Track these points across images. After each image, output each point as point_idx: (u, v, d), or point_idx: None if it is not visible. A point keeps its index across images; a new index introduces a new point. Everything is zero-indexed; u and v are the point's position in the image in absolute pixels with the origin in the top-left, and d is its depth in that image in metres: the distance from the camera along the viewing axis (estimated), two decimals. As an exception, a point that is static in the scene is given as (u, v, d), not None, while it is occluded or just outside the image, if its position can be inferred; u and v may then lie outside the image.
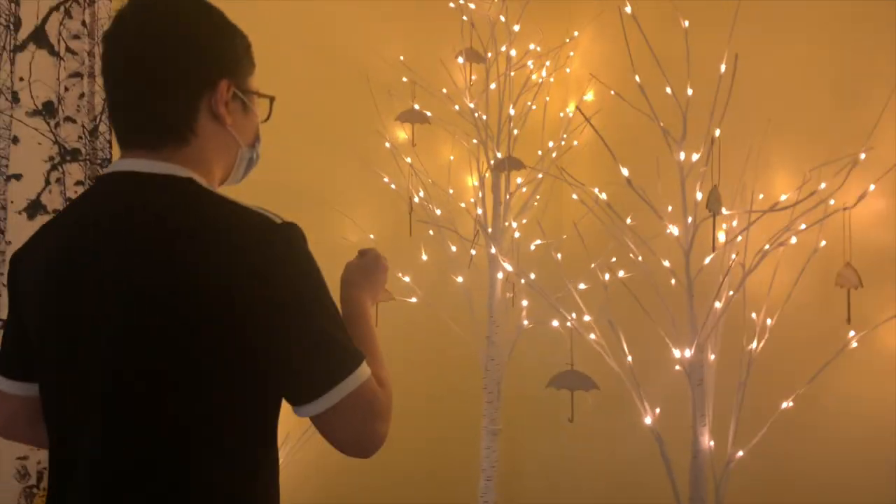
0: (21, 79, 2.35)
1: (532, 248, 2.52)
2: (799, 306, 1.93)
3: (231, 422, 1.04)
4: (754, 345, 1.84)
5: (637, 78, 1.87)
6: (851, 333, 1.81)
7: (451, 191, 2.70)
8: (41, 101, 2.36)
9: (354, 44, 2.64)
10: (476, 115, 2.52)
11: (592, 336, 1.83)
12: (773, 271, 1.91)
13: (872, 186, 1.72)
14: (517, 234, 2.46)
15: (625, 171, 1.73)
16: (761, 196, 2.06)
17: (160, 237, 1.03)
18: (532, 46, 2.82)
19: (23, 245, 1.20)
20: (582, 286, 2.13)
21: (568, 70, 3.04)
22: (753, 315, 1.89)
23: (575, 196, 1.88)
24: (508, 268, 2.07)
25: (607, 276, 1.84)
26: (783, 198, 1.80)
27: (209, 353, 1.01)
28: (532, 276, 2.20)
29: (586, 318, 1.88)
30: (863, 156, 1.78)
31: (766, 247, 1.81)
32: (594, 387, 1.80)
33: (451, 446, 2.68)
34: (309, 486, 2.48)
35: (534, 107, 2.77)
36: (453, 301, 2.43)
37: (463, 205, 2.47)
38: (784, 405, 1.83)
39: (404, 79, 2.47)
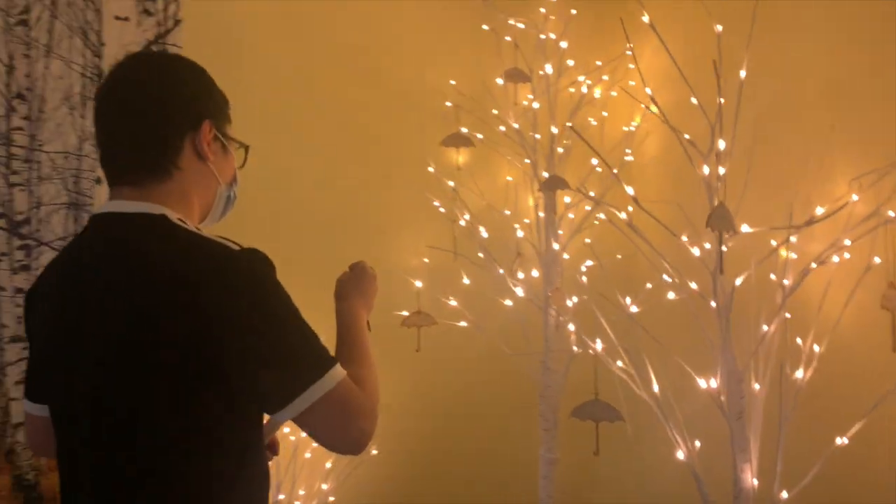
0: (103, 125, 2.58)
1: (583, 268, 2.42)
2: (852, 330, 1.72)
3: (205, 437, 1.12)
4: (800, 373, 1.65)
5: (693, 100, 1.75)
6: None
7: (507, 212, 2.66)
8: (121, 144, 2.58)
9: (406, 69, 2.69)
10: (530, 134, 2.48)
11: (619, 363, 1.72)
12: (823, 292, 1.72)
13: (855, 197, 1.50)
14: (566, 256, 2.37)
15: (629, 191, 1.63)
16: (818, 209, 1.87)
17: (133, 271, 1.15)
18: (598, 63, 2.74)
19: (35, 281, 1.34)
20: (634, 308, 2.03)
21: (632, 83, 2.92)
22: (799, 340, 1.71)
23: (601, 216, 1.79)
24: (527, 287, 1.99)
25: (629, 301, 1.73)
26: (819, 211, 1.61)
27: (175, 373, 1.10)
28: (574, 299, 2.12)
29: (599, 344, 1.78)
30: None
31: (813, 265, 1.63)
32: (619, 418, 1.70)
33: (508, 479, 2.61)
34: None
35: (594, 122, 2.69)
36: (501, 324, 2.38)
37: (517, 227, 2.42)
38: (838, 441, 1.63)
39: (448, 103, 2.47)
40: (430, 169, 2.47)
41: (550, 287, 2.39)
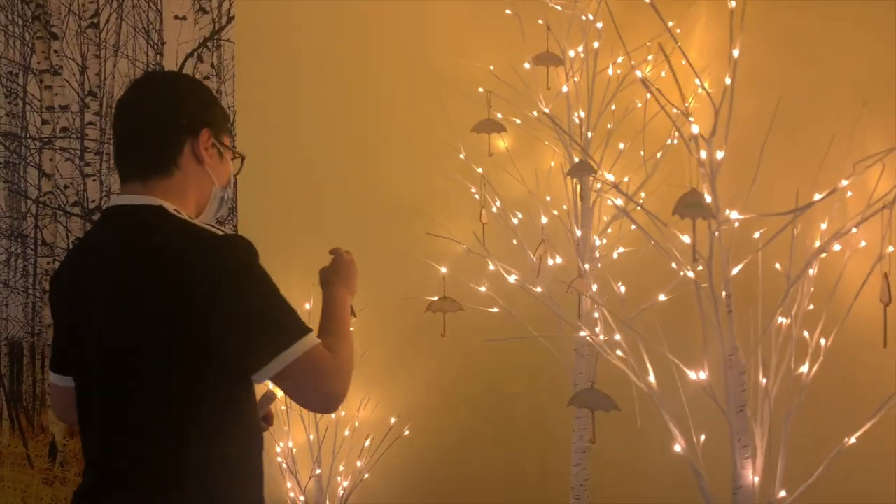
0: (164, 118, 2.78)
1: (615, 256, 2.37)
2: (863, 324, 1.61)
3: (193, 390, 1.32)
4: (805, 368, 1.57)
5: (698, 81, 1.68)
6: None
7: (548, 198, 2.64)
8: (180, 136, 2.77)
9: (446, 56, 2.72)
10: (568, 118, 2.46)
11: (619, 353, 1.70)
12: (834, 283, 1.61)
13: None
14: (598, 242, 2.34)
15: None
16: (849, 194, 1.75)
17: (130, 254, 1.36)
18: (647, 43, 2.66)
19: (57, 268, 1.59)
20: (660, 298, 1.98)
21: (684, 62, 2.81)
22: (806, 334, 1.62)
23: (611, 201, 1.76)
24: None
25: (623, 288, 1.69)
26: (817, 197, 1.51)
27: (166, 339, 1.29)
28: (595, 287, 2.09)
29: (616, 336, 1.75)
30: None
31: (824, 255, 1.54)
32: (615, 407, 1.68)
33: (539, 462, 2.62)
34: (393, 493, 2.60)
35: (639, 104, 2.62)
36: (534, 311, 2.37)
37: (542, 213, 2.40)
38: (847, 441, 1.54)
39: (480, 89, 2.48)
40: (461, 156, 2.49)
41: (582, 274, 2.36)
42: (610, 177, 2.19)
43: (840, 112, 1.94)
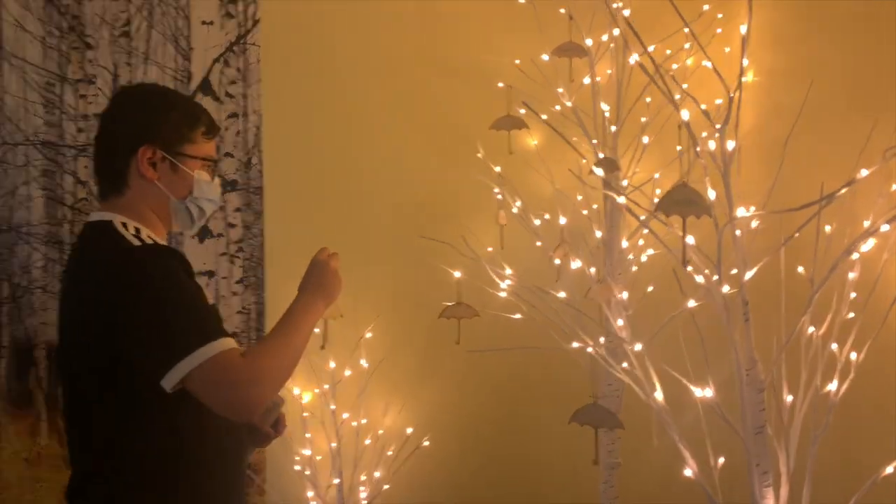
0: (193, 124, 2.79)
1: (644, 258, 2.21)
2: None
3: (125, 407, 1.35)
4: (833, 385, 1.38)
5: (708, 62, 1.52)
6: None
7: (579, 197, 2.50)
8: (208, 141, 2.78)
9: (471, 48, 2.64)
10: (594, 113, 2.31)
11: (625, 365, 1.55)
12: (870, 290, 1.41)
13: None
14: (625, 243, 2.18)
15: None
16: (894, 187, 1.54)
17: (75, 267, 1.48)
18: (685, 30, 2.49)
19: None
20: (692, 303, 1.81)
21: (727, 49, 2.62)
22: (834, 346, 1.42)
23: (621, 199, 1.62)
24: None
25: (626, 295, 1.54)
26: (843, 190, 1.32)
27: (88, 342, 1.35)
28: (625, 294, 1.94)
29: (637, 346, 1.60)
30: None
31: (855, 255, 1.35)
32: (618, 425, 1.54)
33: (562, 478, 2.48)
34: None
35: (678, 96, 2.45)
36: (555, 318, 2.24)
37: (560, 219, 2.26)
38: (883, 471, 1.34)
39: (500, 84, 2.36)
40: (479, 154, 2.38)
41: (610, 278, 2.21)
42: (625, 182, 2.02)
43: (879, 103, 1.73)
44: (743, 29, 1.46)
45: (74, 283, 1.44)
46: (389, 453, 2.57)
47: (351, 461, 2.54)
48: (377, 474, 2.54)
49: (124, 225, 1.42)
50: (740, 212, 1.36)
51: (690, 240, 1.35)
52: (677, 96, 2.51)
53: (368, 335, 2.52)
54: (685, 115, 1.39)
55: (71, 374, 1.43)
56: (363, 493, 2.54)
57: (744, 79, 2.57)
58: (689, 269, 1.58)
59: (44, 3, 2.81)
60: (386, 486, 2.54)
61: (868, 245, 1.32)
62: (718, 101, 2.47)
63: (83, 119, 2.84)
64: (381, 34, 2.76)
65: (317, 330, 1.58)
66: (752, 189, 1.95)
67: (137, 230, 1.42)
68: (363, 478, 2.57)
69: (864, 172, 1.31)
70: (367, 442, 2.57)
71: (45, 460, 2.76)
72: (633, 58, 2.24)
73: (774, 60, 2.56)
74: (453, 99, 2.57)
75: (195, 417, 1.34)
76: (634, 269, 2.33)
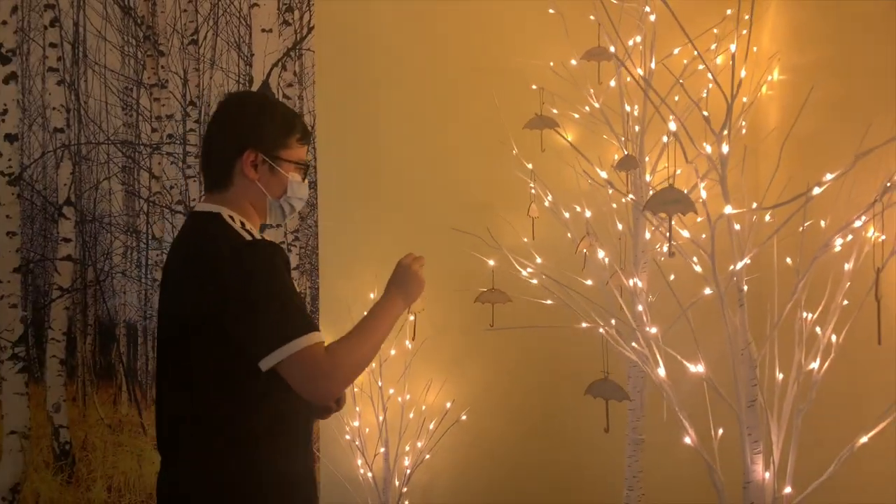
0: (254, 123, 3.09)
1: (665, 248, 2.40)
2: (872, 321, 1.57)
3: (218, 367, 1.57)
4: (815, 364, 1.57)
5: (702, 65, 1.70)
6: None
7: (610, 191, 2.69)
8: (267, 139, 3.07)
9: (510, 50, 2.85)
10: (622, 112, 2.50)
11: (634, 345, 1.77)
12: (849, 278, 1.59)
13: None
14: (648, 234, 2.38)
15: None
16: (888, 184, 1.70)
17: (187, 252, 1.68)
18: (714, 30, 2.66)
19: None
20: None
21: (755, 49, 2.77)
22: (818, 329, 1.61)
23: (627, 199, 1.82)
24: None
25: (633, 283, 1.74)
26: (816, 191, 1.50)
27: (199, 321, 1.57)
28: (639, 282, 2.14)
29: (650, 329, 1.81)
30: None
31: (839, 246, 1.53)
32: (626, 397, 1.75)
33: (592, 450, 2.69)
34: (442, 481, 2.77)
35: (705, 94, 2.62)
36: (583, 304, 2.44)
37: (584, 212, 2.46)
38: (858, 441, 1.52)
39: (534, 86, 2.57)
40: (514, 151, 2.60)
41: (636, 267, 2.41)
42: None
43: (887, 98, 1.87)
44: (732, 47, 1.63)
45: (188, 265, 1.61)
46: (431, 426, 2.83)
47: (396, 433, 2.81)
48: (419, 444, 2.80)
49: (231, 218, 1.64)
50: (728, 209, 1.55)
51: (686, 234, 1.55)
52: (704, 94, 2.68)
53: (411, 317, 2.78)
54: (672, 126, 1.58)
55: (172, 343, 1.63)
56: (406, 462, 2.81)
57: (769, 77, 2.72)
58: (695, 261, 1.77)
59: (122, 15, 3.14)
60: (427, 456, 2.80)
61: (867, 237, 1.48)
62: (744, 100, 2.62)
63: (157, 120, 3.16)
64: (425, 39, 3.00)
65: (412, 316, 1.80)
66: (775, 185, 2.10)
67: (242, 223, 1.65)
68: (407, 448, 2.83)
69: (828, 176, 1.48)
70: (411, 416, 2.83)
71: (125, 427, 3.12)
72: (676, 53, 2.40)
73: (800, 59, 2.68)
74: (490, 100, 2.78)
75: (278, 390, 1.56)
76: (661, 259, 2.52)
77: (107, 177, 3.14)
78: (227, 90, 3.14)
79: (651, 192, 2.50)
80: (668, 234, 1.51)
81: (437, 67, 2.98)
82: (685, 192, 1.49)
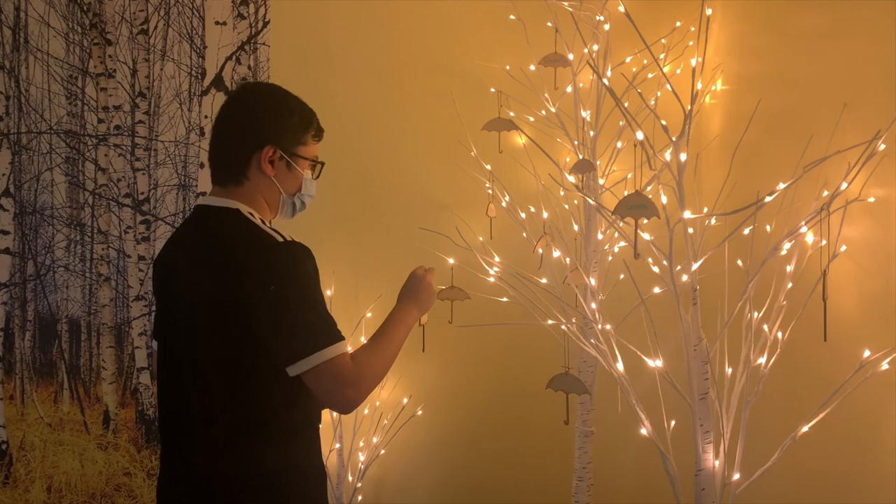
0: (206, 116, 3.08)
1: (616, 249, 2.52)
2: (817, 319, 1.72)
3: (241, 365, 1.55)
4: (763, 359, 1.70)
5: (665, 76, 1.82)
6: (867, 353, 1.58)
7: (562, 192, 2.80)
8: (219, 133, 3.06)
9: (465, 53, 2.92)
10: (578, 117, 2.61)
11: (593, 342, 1.87)
12: (796, 279, 1.73)
13: (845, 185, 1.49)
14: (600, 235, 2.49)
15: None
16: (826, 192, 1.86)
17: (209, 247, 1.63)
18: (662, 40, 2.79)
19: (158, 252, 1.90)
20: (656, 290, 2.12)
21: (700, 59, 2.91)
22: (765, 327, 1.75)
23: (593, 201, 1.92)
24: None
25: (594, 282, 1.84)
26: (769, 198, 1.64)
27: (225, 325, 1.55)
28: (593, 281, 2.25)
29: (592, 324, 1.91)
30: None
31: (784, 248, 1.66)
32: (586, 391, 1.86)
33: (542, 444, 2.80)
34: (394, 475, 2.84)
35: (653, 101, 2.74)
36: (538, 302, 2.54)
37: (543, 209, 2.56)
38: (801, 430, 1.67)
39: (492, 89, 2.66)
40: (473, 153, 2.68)
41: (587, 266, 2.52)
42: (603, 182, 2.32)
43: (827, 112, 2.03)
44: (693, 62, 1.75)
45: (211, 261, 1.56)
46: (385, 422, 2.89)
47: (350, 429, 2.85)
48: (375, 440, 2.85)
49: (251, 214, 1.62)
50: (687, 214, 1.67)
51: (647, 236, 1.66)
52: (652, 102, 2.82)
53: (369, 315, 2.83)
54: (640, 135, 1.69)
55: (196, 342, 1.58)
56: (361, 458, 2.86)
57: (713, 87, 2.88)
58: (649, 261, 1.89)
59: (67, 1, 3.07)
60: (382, 451, 2.86)
61: (807, 241, 1.62)
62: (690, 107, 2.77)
63: (103, 111, 3.11)
64: (384, 39, 3.05)
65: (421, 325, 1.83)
66: (716, 190, 2.25)
67: (262, 220, 1.64)
68: (361, 444, 2.88)
69: (781, 186, 1.62)
70: (366, 412, 2.88)
71: (66, 425, 3.06)
72: (627, 61, 2.53)
73: (741, 69, 2.85)
74: (447, 101, 2.85)
75: (298, 392, 1.56)
76: (610, 258, 2.65)
77: (49, 167, 3.07)
78: (178, 82, 3.11)
79: (601, 194, 2.63)
80: (634, 237, 1.62)
81: (394, 66, 3.04)
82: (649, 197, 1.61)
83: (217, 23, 3.09)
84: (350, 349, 1.54)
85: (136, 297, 3.09)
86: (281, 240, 1.56)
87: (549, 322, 1.96)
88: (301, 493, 1.58)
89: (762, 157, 2.44)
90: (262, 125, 1.64)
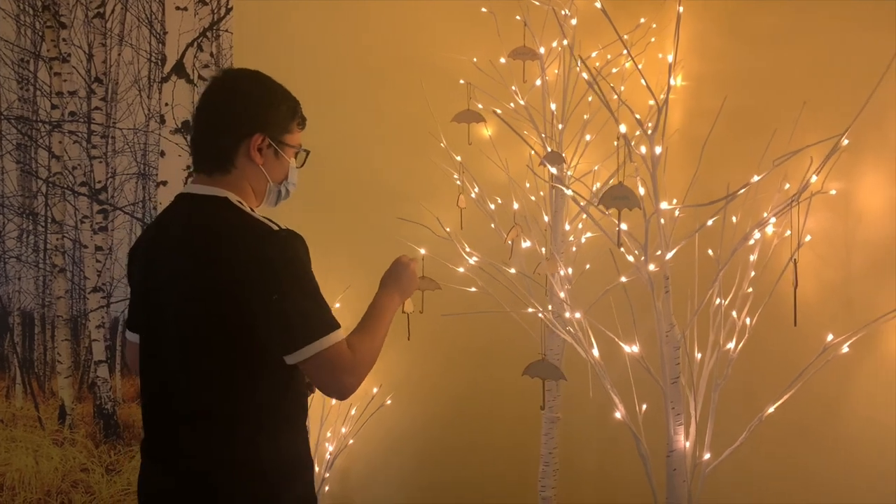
0: (166, 104, 3.03)
1: (583, 240, 2.60)
2: (786, 305, 1.83)
3: (235, 356, 1.55)
4: (732, 345, 1.80)
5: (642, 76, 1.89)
6: (829, 337, 1.69)
7: (528, 184, 2.86)
8: (180, 121, 3.03)
9: (433, 45, 2.95)
10: (547, 110, 2.67)
11: (569, 329, 1.93)
12: (762, 267, 1.83)
13: (814, 177, 1.60)
14: (567, 226, 2.56)
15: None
16: (787, 186, 1.97)
17: (199, 236, 1.61)
18: (625, 36, 2.86)
19: (136, 241, 1.87)
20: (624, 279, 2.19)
21: (660, 55, 3.01)
22: (734, 314, 1.84)
23: (569, 191, 1.98)
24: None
25: (570, 271, 1.91)
26: (741, 191, 1.73)
27: (218, 314, 1.54)
28: (570, 270, 2.31)
29: (566, 312, 1.98)
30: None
31: (754, 238, 1.76)
32: (562, 377, 1.92)
33: (510, 432, 2.87)
34: (361, 465, 2.87)
35: (615, 96, 2.82)
36: (508, 291, 2.60)
37: (516, 202, 2.61)
38: (766, 411, 1.77)
39: (461, 81, 2.69)
40: (442, 144, 2.72)
41: (553, 257, 2.59)
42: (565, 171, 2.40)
43: (785, 109, 2.14)
44: (670, 58, 1.83)
45: (202, 251, 1.55)
46: (353, 412, 2.91)
47: (318, 419, 2.87)
48: (343, 430, 2.87)
49: (241, 203, 1.61)
50: (664, 205, 1.75)
51: (624, 227, 1.74)
52: (614, 96, 2.91)
53: (338, 305, 2.85)
54: (623, 128, 1.76)
55: (185, 335, 1.57)
56: (329, 448, 2.88)
57: (673, 82, 2.99)
58: (622, 250, 1.97)
59: (18, -19, 2.98)
60: (350, 441, 2.88)
61: (769, 232, 1.72)
62: (651, 102, 2.87)
63: (57, 96, 3.03)
64: (351, 28, 3.05)
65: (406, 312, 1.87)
66: (676, 183, 2.34)
67: (251, 209, 1.63)
68: (329, 434, 2.90)
69: (755, 178, 1.72)
70: (333, 402, 2.90)
71: (20, 421, 2.98)
72: (594, 56, 2.60)
73: (701, 67, 2.96)
74: (415, 92, 2.88)
75: (290, 381, 1.59)
76: (574, 249, 2.73)
77: (-1, 154, 2.98)
78: (136, 68, 3.05)
79: (570, 185, 2.70)
80: (618, 228, 1.69)
81: (362, 56, 3.04)
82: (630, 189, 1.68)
83: (178, 8, 3.05)
84: (344, 336, 1.56)
85: (94, 288, 3.03)
86: (276, 228, 1.57)
87: (529, 310, 2.02)
88: (296, 479, 1.61)
89: (721, 151, 2.55)
90: (250, 113, 1.64)
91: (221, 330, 1.54)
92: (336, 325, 1.55)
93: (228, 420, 1.56)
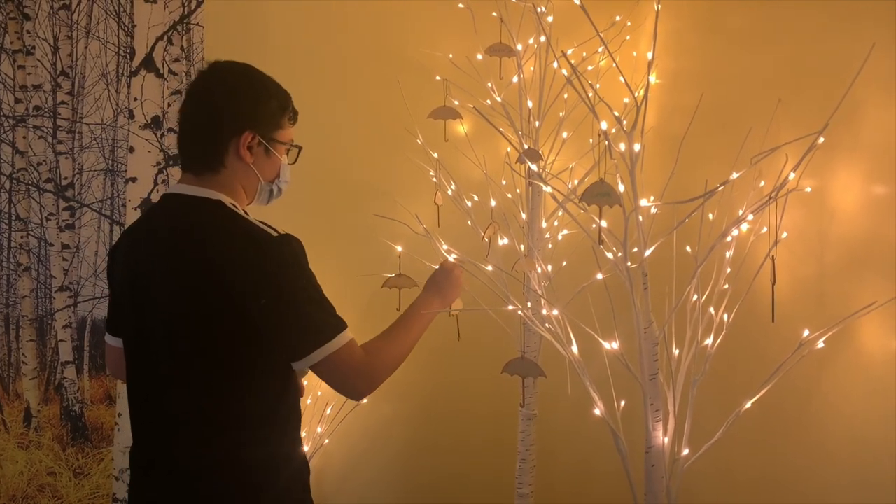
0: (135, 98, 3.00)
1: (560, 237, 2.62)
2: (763, 302, 1.87)
3: (233, 363, 1.53)
4: (710, 341, 1.83)
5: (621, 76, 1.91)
6: (805, 333, 1.73)
7: (504, 182, 2.87)
8: (150, 116, 2.99)
9: (409, 41, 2.95)
10: (521, 107, 2.68)
11: (547, 326, 1.95)
12: (738, 265, 1.87)
13: (792, 174, 1.64)
14: (544, 224, 2.58)
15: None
16: (762, 183, 2.01)
17: (191, 241, 1.58)
18: (600, 35, 2.88)
19: (116, 241, 1.83)
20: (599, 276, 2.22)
21: (634, 53, 3.04)
22: (711, 310, 1.88)
23: (548, 188, 2.00)
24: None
25: (550, 268, 1.93)
26: (720, 187, 1.76)
27: (215, 323, 1.52)
28: (549, 267, 2.33)
29: (544, 310, 2.00)
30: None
31: (731, 235, 1.79)
32: (541, 374, 1.94)
33: (487, 430, 2.89)
34: (335, 462, 2.86)
35: (591, 94, 2.84)
36: (484, 289, 2.61)
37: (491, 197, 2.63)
38: (744, 406, 1.81)
39: (437, 77, 2.70)
40: (419, 141, 2.72)
41: (531, 254, 2.60)
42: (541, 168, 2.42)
43: (761, 107, 2.18)
44: (650, 55, 1.86)
45: (199, 257, 1.51)
46: (329, 411, 2.90)
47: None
48: (319, 430, 2.86)
49: (234, 206, 1.59)
50: (643, 202, 1.77)
51: (604, 223, 1.76)
52: (590, 94, 2.94)
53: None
54: (604, 125, 1.79)
55: (180, 340, 1.54)
56: (305, 448, 2.87)
57: (650, 78, 3.03)
58: (601, 247, 1.99)
59: (-21, -29, 2.92)
60: (326, 441, 2.88)
61: (743, 228, 1.76)
62: (626, 101, 2.90)
63: (21, 90, 2.98)
64: (326, 23, 3.05)
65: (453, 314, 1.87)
66: (653, 180, 2.37)
67: (245, 212, 1.62)
68: (303, 434, 2.89)
69: (734, 175, 1.75)
70: (309, 402, 2.89)
71: (-17, 425, 2.93)
72: (570, 53, 2.62)
73: (676, 65, 3.01)
74: (391, 88, 2.88)
75: (287, 384, 1.60)
76: (550, 246, 2.75)
77: (-39, 150, 2.92)
78: (104, 62, 3.01)
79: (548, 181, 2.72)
80: (598, 225, 1.71)
81: (336, 52, 3.04)
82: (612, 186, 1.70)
83: (146, 1, 3.01)
84: (353, 336, 1.57)
85: (60, 287, 2.99)
86: (275, 234, 1.55)
87: (509, 307, 2.04)
88: (294, 480, 1.62)
89: (694, 149, 2.59)
90: (239, 109, 1.60)
91: (216, 337, 1.52)
92: (342, 326, 1.55)
93: (224, 425, 1.55)
